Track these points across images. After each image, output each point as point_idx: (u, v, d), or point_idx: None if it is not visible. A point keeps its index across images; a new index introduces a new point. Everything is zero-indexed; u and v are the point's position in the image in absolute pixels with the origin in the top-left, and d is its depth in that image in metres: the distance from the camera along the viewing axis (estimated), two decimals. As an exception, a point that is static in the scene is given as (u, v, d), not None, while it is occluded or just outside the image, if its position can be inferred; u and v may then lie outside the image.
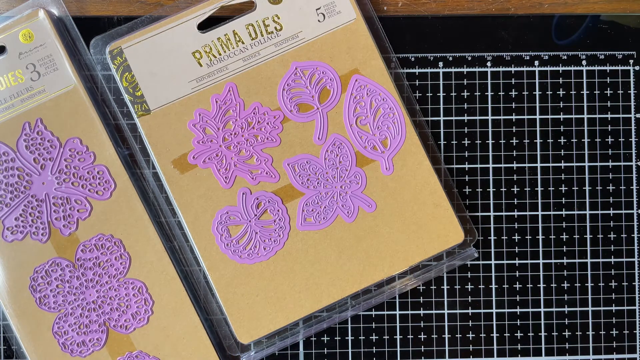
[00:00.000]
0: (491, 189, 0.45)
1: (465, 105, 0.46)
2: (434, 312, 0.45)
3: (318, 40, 0.43)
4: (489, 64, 0.46)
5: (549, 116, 0.46)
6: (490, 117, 0.46)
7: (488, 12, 0.46)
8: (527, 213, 0.45)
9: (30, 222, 0.42)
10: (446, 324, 0.45)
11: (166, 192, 0.43)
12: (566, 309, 0.45)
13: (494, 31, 0.46)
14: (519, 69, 0.46)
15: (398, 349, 0.45)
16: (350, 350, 0.45)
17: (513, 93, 0.46)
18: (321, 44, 0.43)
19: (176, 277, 0.43)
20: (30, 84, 0.42)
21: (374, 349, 0.45)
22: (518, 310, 0.45)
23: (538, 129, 0.46)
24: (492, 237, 0.45)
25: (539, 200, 0.45)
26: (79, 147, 0.42)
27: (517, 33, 0.46)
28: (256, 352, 0.43)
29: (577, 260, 0.45)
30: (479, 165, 0.45)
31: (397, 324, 0.45)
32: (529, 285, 0.45)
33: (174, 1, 0.44)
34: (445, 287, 0.45)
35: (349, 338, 0.45)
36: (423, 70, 0.46)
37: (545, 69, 0.46)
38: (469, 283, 0.45)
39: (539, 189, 0.46)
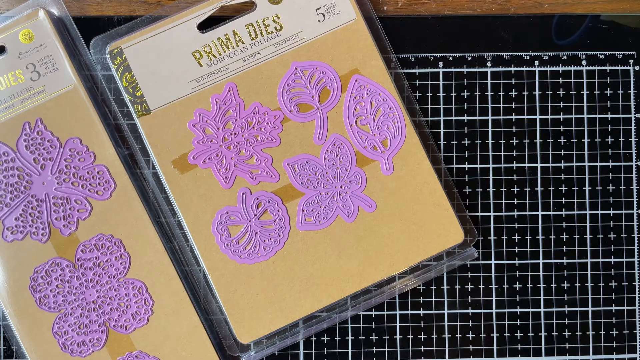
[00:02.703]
0: (491, 189, 0.45)
1: (465, 105, 0.46)
2: (434, 312, 0.45)
3: (318, 40, 0.43)
4: (489, 64, 0.46)
5: (549, 116, 0.46)
6: (490, 117, 0.46)
7: (488, 12, 0.46)
8: (527, 213, 0.45)
9: (30, 222, 0.42)
10: (446, 324, 0.45)
11: (166, 192, 0.43)
12: (566, 309, 0.45)
13: (494, 31, 0.46)
14: (519, 69, 0.46)
15: (398, 349, 0.45)
16: (350, 350, 0.45)
17: (513, 93, 0.46)
18: (321, 44, 0.43)
19: (176, 277, 0.43)
20: (30, 84, 0.42)
21: (374, 349, 0.45)
22: (518, 310, 0.45)
23: (538, 129, 0.46)
24: (492, 237, 0.45)
25: (539, 200, 0.45)
26: (79, 147, 0.42)
27: (517, 33, 0.46)
28: (256, 352, 0.43)
29: (577, 260, 0.45)
30: (479, 165, 0.45)
31: (397, 324, 0.45)
32: (529, 285, 0.45)
33: (174, 1, 0.44)
34: (445, 287, 0.45)
35: (349, 338, 0.45)
36: (423, 70, 0.46)
37: (545, 69, 0.46)
38: (469, 283, 0.45)
39: (539, 189, 0.46)
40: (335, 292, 0.43)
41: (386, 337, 0.45)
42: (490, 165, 0.46)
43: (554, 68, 0.46)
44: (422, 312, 0.45)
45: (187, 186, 0.43)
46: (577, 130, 0.46)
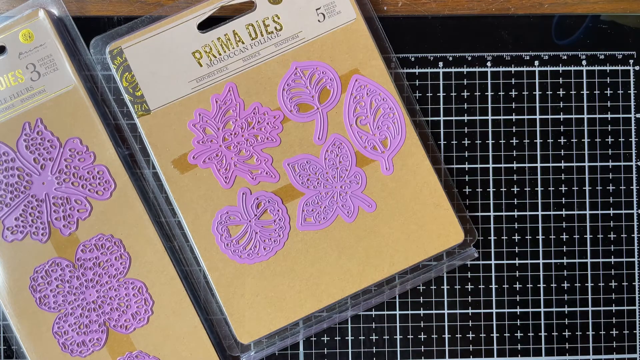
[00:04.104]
0: (491, 189, 0.45)
1: (465, 105, 0.46)
2: (434, 312, 0.45)
3: (318, 40, 0.43)
4: (489, 64, 0.46)
5: (549, 116, 0.46)
6: (490, 117, 0.46)
7: (488, 12, 0.46)
8: (527, 213, 0.45)
9: (30, 222, 0.42)
10: (446, 324, 0.45)
11: (166, 192, 0.43)
12: (566, 309, 0.45)
13: (494, 31, 0.46)
14: (519, 69, 0.46)
15: (398, 349, 0.45)
16: (350, 350, 0.45)
17: (513, 93, 0.46)
18: (321, 44, 0.43)
19: (176, 277, 0.43)
20: (30, 84, 0.42)
21: (374, 349, 0.45)
22: (518, 310, 0.45)
23: (538, 129, 0.46)
24: (492, 237, 0.45)
25: (539, 200, 0.45)
26: (79, 147, 0.42)
27: (517, 33, 0.46)
28: (256, 352, 0.43)
29: (577, 260, 0.45)
30: (479, 165, 0.45)
31: (397, 324, 0.45)
32: (529, 285, 0.45)
33: (174, 1, 0.44)
34: (445, 287, 0.45)
35: (349, 338, 0.45)
36: (423, 70, 0.46)
37: (545, 69, 0.46)
38: (469, 283, 0.45)
39: (539, 189, 0.46)
40: (335, 292, 0.43)
41: (386, 337, 0.45)
42: (490, 165, 0.46)
43: (554, 68, 0.46)
44: (422, 312, 0.45)
45: (187, 186, 0.43)
46: (577, 130, 0.46)
